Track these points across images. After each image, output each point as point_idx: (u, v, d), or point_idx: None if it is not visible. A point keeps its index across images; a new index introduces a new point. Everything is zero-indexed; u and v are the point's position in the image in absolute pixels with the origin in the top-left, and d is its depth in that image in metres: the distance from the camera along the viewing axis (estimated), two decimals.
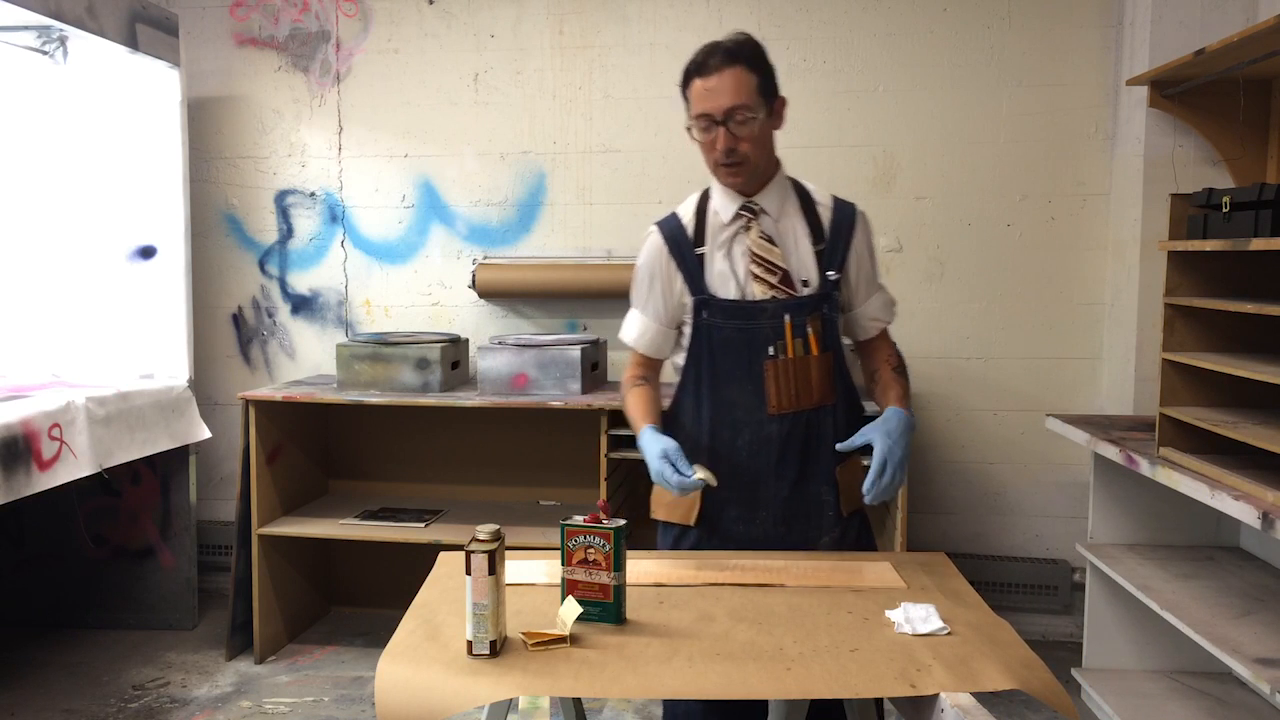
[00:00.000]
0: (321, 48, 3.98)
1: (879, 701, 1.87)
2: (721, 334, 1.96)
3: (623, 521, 1.63)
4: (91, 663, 3.47)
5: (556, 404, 3.28)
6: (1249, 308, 2.22)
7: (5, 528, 3.81)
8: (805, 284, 1.95)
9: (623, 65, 3.79)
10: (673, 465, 1.84)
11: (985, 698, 1.37)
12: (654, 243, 2.05)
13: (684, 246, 2.00)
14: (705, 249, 1.99)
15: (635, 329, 2.09)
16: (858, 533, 2.04)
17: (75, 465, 3.02)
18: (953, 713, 1.31)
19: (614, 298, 3.79)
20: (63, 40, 3.55)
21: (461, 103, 3.90)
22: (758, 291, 1.94)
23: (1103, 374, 3.61)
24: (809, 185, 2.05)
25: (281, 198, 4.06)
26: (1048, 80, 3.57)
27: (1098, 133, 3.55)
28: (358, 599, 3.97)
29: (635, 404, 2.05)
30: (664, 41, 3.76)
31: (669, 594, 1.74)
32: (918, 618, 1.58)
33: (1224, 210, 2.31)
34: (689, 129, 1.96)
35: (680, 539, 2.04)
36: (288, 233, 4.07)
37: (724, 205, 1.99)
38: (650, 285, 2.04)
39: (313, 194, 4.04)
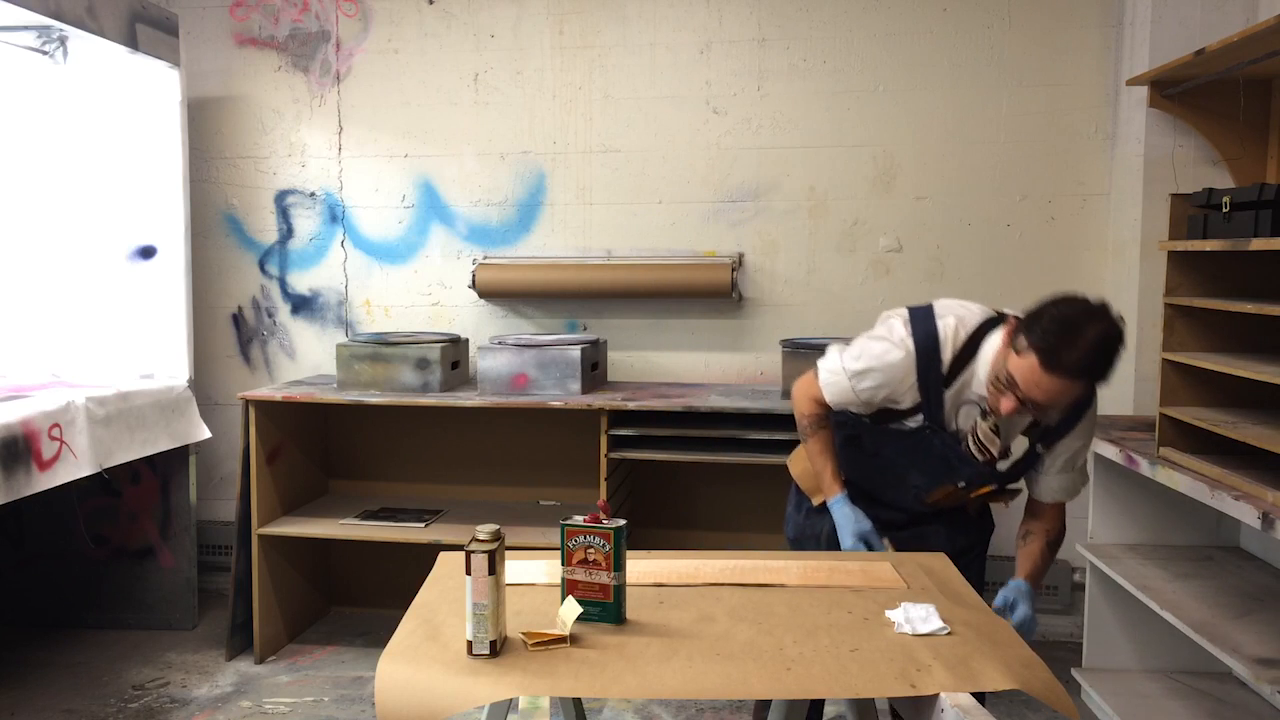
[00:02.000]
0: (321, 48, 3.98)
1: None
2: (931, 448, 2.03)
3: (623, 522, 1.63)
4: (91, 663, 3.47)
5: (556, 404, 3.28)
6: (1249, 308, 2.22)
7: (5, 528, 3.81)
8: (1013, 462, 2.03)
9: (623, 65, 3.79)
10: (867, 547, 2.03)
11: (985, 697, 1.37)
12: (906, 350, 1.98)
13: (933, 374, 1.98)
14: (950, 390, 1.99)
15: (840, 394, 2.07)
16: (977, 567, 2.24)
17: (75, 465, 3.01)
18: (953, 713, 1.31)
19: (614, 298, 3.79)
20: (63, 40, 3.55)
21: (461, 103, 3.90)
22: (968, 452, 2.02)
23: None
24: None
25: (281, 198, 4.06)
26: (1048, 80, 3.57)
27: (1098, 133, 3.55)
28: (358, 599, 3.97)
29: (823, 453, 2.12)
30: (664, 41, 3.76)
31: (669, 594, 1.74)
32: (918, 618, 1.58)
33: (1224, 210, 2.31)
34: (995, 378, 1.87)
35: (818, 514, 2.21)
36: (288, 233, 4.07)
37: (982, 379, 1.95)
38: (880, 384, 2.02)
39: (313, 194, 4.04)
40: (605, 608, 1.60)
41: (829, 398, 2.08)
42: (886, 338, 2.01)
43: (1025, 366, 1.78)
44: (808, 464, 2.20)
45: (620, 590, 1.61)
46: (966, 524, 2.20)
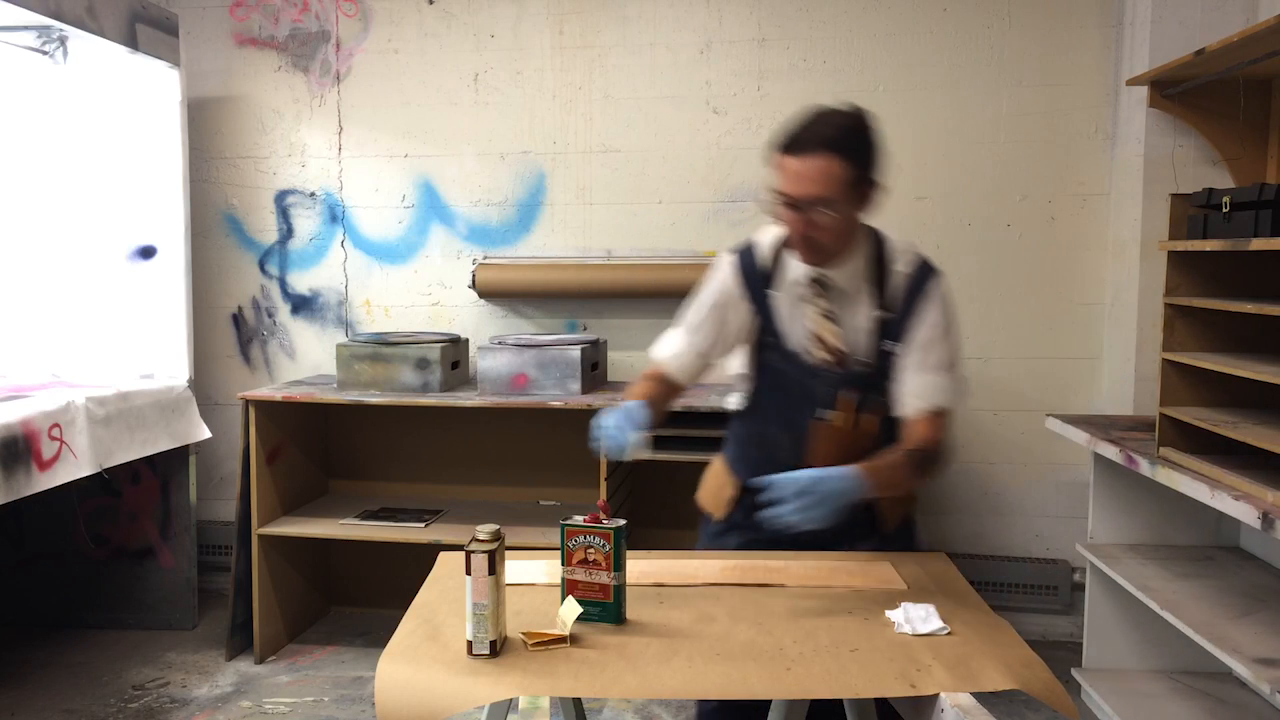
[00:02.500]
0: (321, 48, 3.98)
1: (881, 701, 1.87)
2: (782, 380, 1.95)
3: (623, 521, 1.63)
4: (91, 663, 3.47)
5: (556, 404, 3.28)
6: (1249, 308, 2.22)
7: (5, 528, 3.81)
8: (863, 363, 1.90)
9: (623, 65, 3.79)
10: (625, 421, 1.79)
11: (985, 698, 1.37)
12: (727, 270, 1.98)
13: (757, 283, 1.95)
14: (778, 293, 1.94)
15: (673, 347, 2.01)
16: (903, 545, 2.02)
17: (75, 465, 3.02)
18: (953, 713, 1.31)
19: (614, 298, 3.79)
20: (63, 40, 3.55)
21: (461, 103, 3.90)
22: (812, 359, 1.91)
23: (1103, 374, 3.61)
24: (893, 244, 1.93)
25: (281, 198, 4.06)
26: (1048, 80, 3.57)
27: (1098, 133, 3.55)
28: (358, 599, 3.97)
29: (638, 389, 1.98)
30: (664, 41, 3.76)
31: (669, 594, 1.74)
32: (918, 618, 1.58)
33: (1224, 210, 2.31)
34: (769, 193, 1.83)
35: (724, 535, 2.06)
36: (288, 233, 4.07)
37: (799, 264, 1.90)
38: (712, 311, 1.98)
39: (313, 194, 4.04)
40: (605, 608, 1.60)
41: (664, 354, 2.02)
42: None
43: (777, 166, 1.78)
44: (711, 487, 2.13)
45: (620, 590, 1.61)
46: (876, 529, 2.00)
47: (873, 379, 1.90)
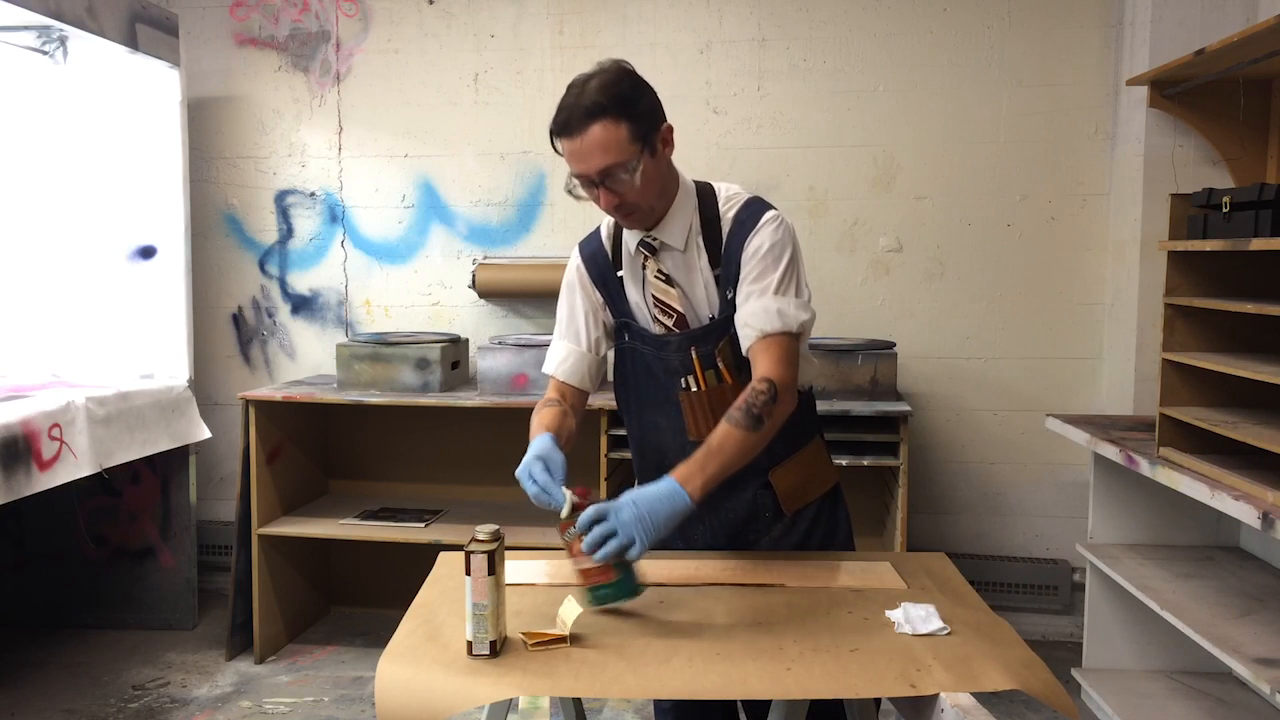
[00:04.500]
0: (321, 48, 3.98)
1: (877, 701, 1.87)
2: (642, 360, 1.92)
3: (605, 500, 1.63)
4: (91, 663, 3.47)
5: None
6: (1249, 308, 2.22)
7: (5, 528, 3.81)
8: (712, 318, 1.84)
9: None
10: (543, 472, 1.71)
11: (985, 698, 1.37)
12: (574, 263, 1.96)
13: (604, 268, 1.93)
14: (624, 271, 1.91)
15: (557, 356, 1.98)
16: (808, 527, 1.95)
17: (75, 465, 3.01)
18: (953, 713, 1.31)
19: None
20: (63, 40, 3.55)
21: (461, 103, 3.90)
22: (661, 329, 1.87)
23: (1103, 374, 3.61)
24: (722, 193, 1.86)
25: (281, 198, 4.06)
26: (1048, 80, 3.57)
27: (1098, 133, 3.55)
28: (358, 599, 3.97)
29: (538, 419, 1.90)
30: (664, 41, 3.76)
31: (669, 594, 1.74)
32: (918, 618, 1.58)
33: (1224, 210, 2.31)
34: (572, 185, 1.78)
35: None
36: (288, 233, 4.07)
37: (629, 234, 1.87)
38: (572, 307, 1.96)
39: (313, 194, 4.04)
40: (618, 585, 1.60)
41: (550, 365, 2.02)
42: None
43: (562, 153, 1.73)
44: None
45: (624, 565, 1.60)
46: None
47: (719, 332, 1.83)
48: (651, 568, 1.86)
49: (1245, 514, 2.04)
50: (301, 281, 4.08)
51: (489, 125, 3.89)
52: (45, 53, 3.59)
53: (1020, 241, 3.63)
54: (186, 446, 3.62)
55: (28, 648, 3.59)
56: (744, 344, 1.77)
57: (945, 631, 1.55)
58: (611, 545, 1.55)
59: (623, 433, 3.17)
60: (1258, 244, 2.16)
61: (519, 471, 1.74)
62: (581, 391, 2.01)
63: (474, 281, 3.86)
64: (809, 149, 3.68)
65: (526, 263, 3.86)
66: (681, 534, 1.90)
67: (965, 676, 1.40)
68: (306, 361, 4.08)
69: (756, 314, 1.75)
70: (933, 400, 3.71)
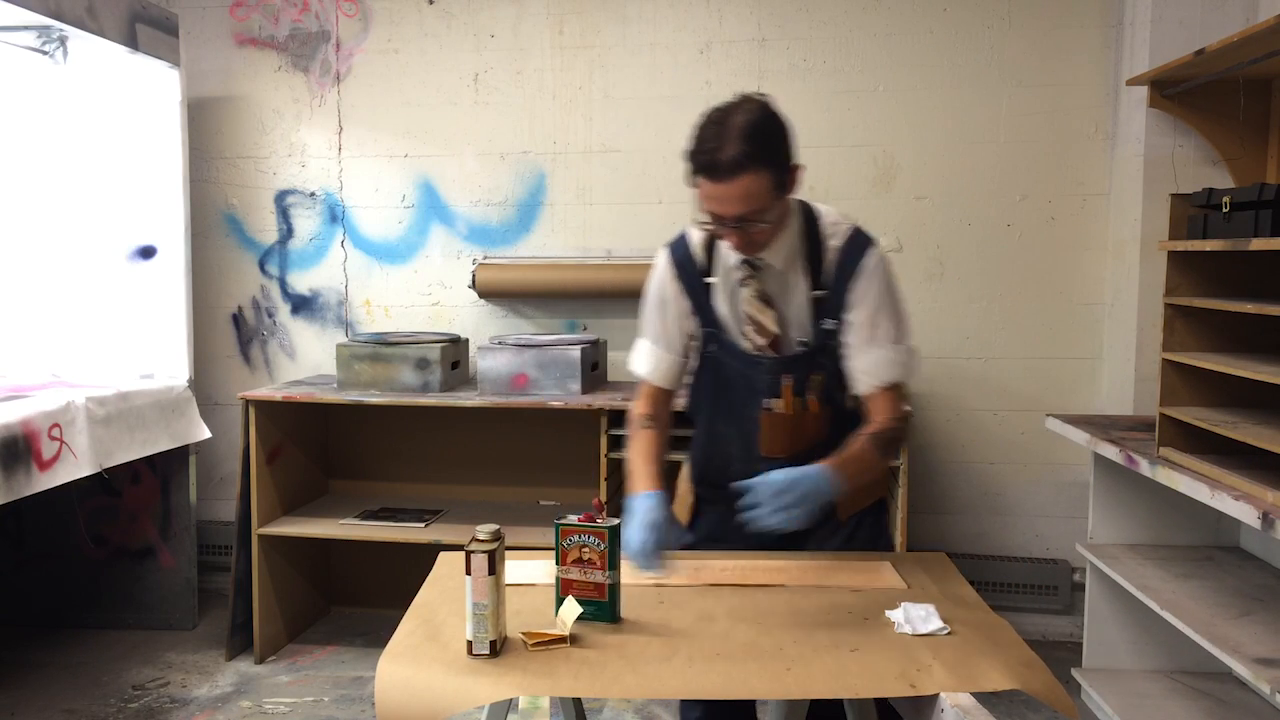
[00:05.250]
0: (321, 48, 3.98)
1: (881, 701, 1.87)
2: (723, 373, 1.93)
3: (617, 520, 1.63)
4: (91, 663, 3.47)
5: (556, 404, 3.28)
6: (1249, 308, 2.22)
7: (5, 528, 3.81)
8: (803, 343, 1.86)
9: (623, 65, 3.79)
10: (654, 541, 1.70)
11: (985, 698, 1.37)
12: (663, 268, 1.96)
13: (693, 274, 1.92)
14: (715, 279, 1.91)
15: (648, 361, 2.00)
16: (853, 530, 1.99)
17: (75, 465, 3.01)
18: (953, 713, 1.31)
19: (614, 298, 3.79)
20: (63, 40, 3.55)
21: (461, 103, 3.90)
22: (751, 346, 1.88)
23: (1103, 374, 3.61)
24: (826, 219, 1.88)
25: (281, 198, 4.06)
26: (1048, 80, 3.57)
27: (1098, 133, 3.55)
28: (358, 599, 3.97)
29: (639, 454, 1.94)
30: (664, 41, 3.76)
31: (669, 594, 1.74)
32: (918, 618, 1.58)
33: (1224, 210, 2.31)
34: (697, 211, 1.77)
35: (678, 539, 2.04)
36: (288, 233, 4.07)
37: (729, 248, 1.88)
38: (661, 312, 1.97)
39: (313, 194, 4.04)
40: (600, 606, 1.60)
41: (643, 370, 2.01)
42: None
43: (698, 187, 1.72)
44: (680, 492, 2.10)
45: (615, 589, 1.61)
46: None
47: (813, 359, 1.86)
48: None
49: (1245, 514, 2.04)
50: (301, 281, 4.08)
51: (489, 125, 3.89)
52: (45, 53, 3.59)
53: (1020, 241, 3.63)
54: (186, 446, 3.62)
55: (28, 648, 3.59)
56: (864, 389, 1.85)
57: (945, 631, 1.55)
58: (784, 516, 1.63)
59: (623, 433, 3.19)
60: (1258, 244, 2.16)
61: (634, 543, 1.70)
62: (670, 393, 2.03)
63: (474, 281, 3.86)
64: (809, 149, 3.63)
65: (526, 263, 3.86)
66: (739, 529, 1.90)
67: (965, 676, 1.40)
68: (306, 361, 4.08)
69: (880, 365, 1.83)
70: (933, 400, 3.71)
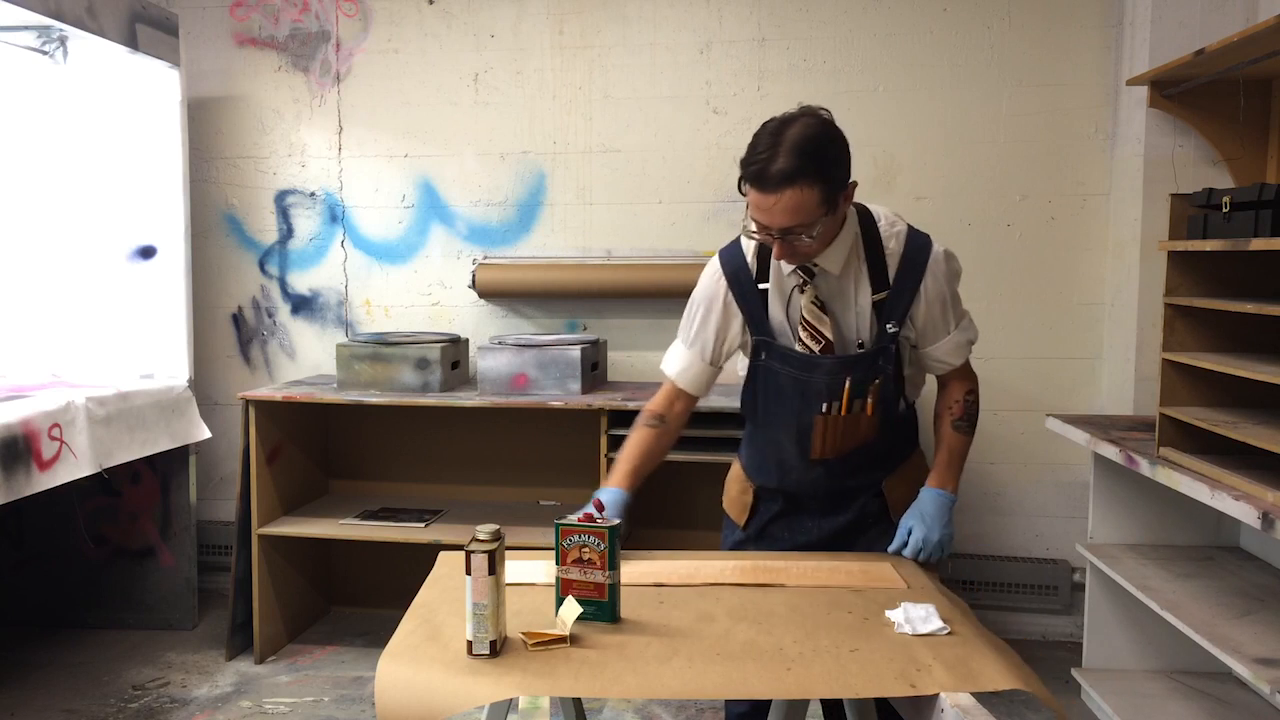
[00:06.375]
0: (321, 48, 3.98)
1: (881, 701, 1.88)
2: (775, 381, 1.93)
3: (617, 520, 1.64)
4: (91, 663, 3.47)
5: (556, 404, 3.28)
6: (1249, 308, 2.22)
7: (5, 528, 3.81)
8: (860, 345, 1.88)
9: (623, 65, 3.79)
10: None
11: (985, 698, 1.37)
12: (714, 274, 1.96)
13: (745, 282, 1.92)
14: (769, 285, 1.91)
15: (679, 363, 2.02)
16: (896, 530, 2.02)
17: (75, 465, 3.01)
18: (953, 713, 1.31)
19: (614, 298, 3.79)
20: (63, 40, 3.55)
21: (461, 103, 3.90)
22: (803, 349, 1.89)
23: (1103, 374, 3.61)
24: (882, 220, 1.90)
25: (281, 198, 4.06)
26: (1048, 80, 3.57)
27: (1098, 133, 3.55)
28: (358, 599, 3.97)
29: (627, 450, 2.00)
30: (664, 41, 3.76)
31: (669, 594, 1.74)
32: (918, 618, 1.58)
33: (1224, 210, 2.31)
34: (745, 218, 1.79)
35: (746, 544, 2.09)
36: (288, 233, 4.07)
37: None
38: (705, 318, 1.97)
39: (313, 194, 4.04)
40: (600, 606, 1.60)
41: (672, 370, 2.03)
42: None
43: (747, 196, 1.74)
44: (733, 492, 2.14)
45: (615, 589, 1.61)
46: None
47: (871, 362, 1.88)
48: (652, 568, 1.87)
49: (1245, 514, 2.04)
50: (301, 281, 4.08)
51: (489, 125, 3.89)
52: (45, 53, 3.59)
53: (1020, 241, 3.63)
54: (186, 446, 3.62)
55: (28, 648, 3.59)
56: (937, 373, 2.03)
57: (945, 631, 1.55)
58: (931, 548, 1.90)
59: (623, 433, 3.18)
60: (1258, 244, 2.16)
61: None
62: (692, 399, 2.07)
63: (474, 281, 3.87)
64: None
65: (526, 263, 3.86)
66: (789, 531, 2.03)
67: (965, 676, 1.40)
68: (306, 361, 4.08)
69: (952, 351, 1.97)
70: (933, 400, 3.70)
